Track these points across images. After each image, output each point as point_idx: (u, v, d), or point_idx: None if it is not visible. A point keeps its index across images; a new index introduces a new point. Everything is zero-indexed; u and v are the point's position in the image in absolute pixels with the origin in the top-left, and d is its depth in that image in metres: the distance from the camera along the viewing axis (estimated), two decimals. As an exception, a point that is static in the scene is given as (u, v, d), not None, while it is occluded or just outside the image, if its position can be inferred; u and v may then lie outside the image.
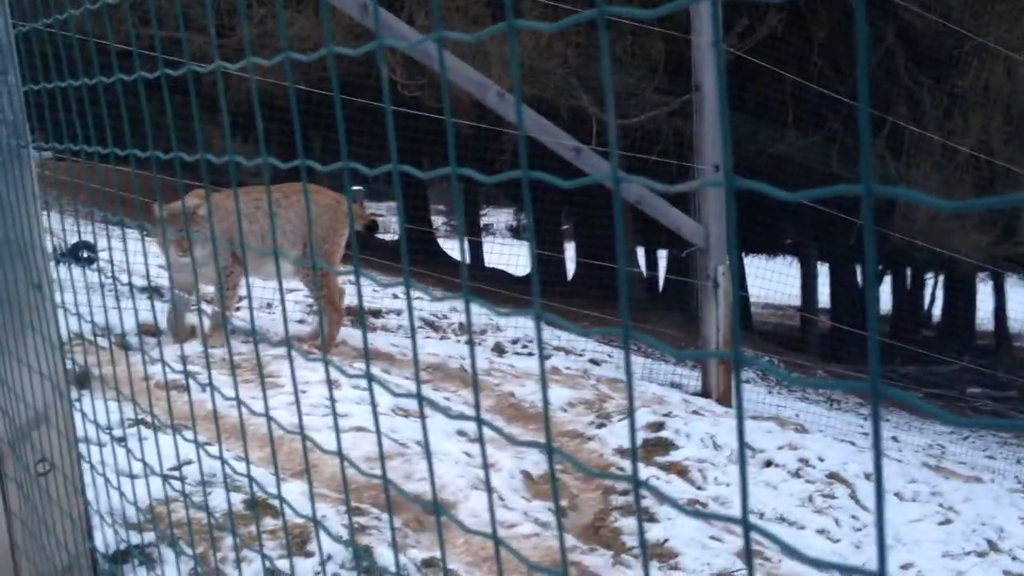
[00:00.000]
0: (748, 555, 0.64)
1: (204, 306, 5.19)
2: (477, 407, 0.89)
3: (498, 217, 26.89)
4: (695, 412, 5.84)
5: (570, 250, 17.53)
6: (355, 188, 7.40)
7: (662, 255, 18.52)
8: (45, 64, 1.85)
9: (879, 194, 0.53)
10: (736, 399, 0.64)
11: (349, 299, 7.83)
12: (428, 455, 0.94)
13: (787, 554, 0.64)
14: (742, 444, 0.63)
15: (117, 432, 3.49)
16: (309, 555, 3.03)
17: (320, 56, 1.04)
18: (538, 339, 0.81)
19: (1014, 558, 4.73)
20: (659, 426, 5.20)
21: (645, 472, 4.60)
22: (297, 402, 1.12)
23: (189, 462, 3.34)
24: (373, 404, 1.06)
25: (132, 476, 1.90)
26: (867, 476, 5.26)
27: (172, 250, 5.26)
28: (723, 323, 6.85)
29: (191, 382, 1.49)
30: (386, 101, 0.95)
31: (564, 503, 4.21)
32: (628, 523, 3.97)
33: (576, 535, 3.92)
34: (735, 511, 4.41)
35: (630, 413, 0.69)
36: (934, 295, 22.84)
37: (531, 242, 0.79)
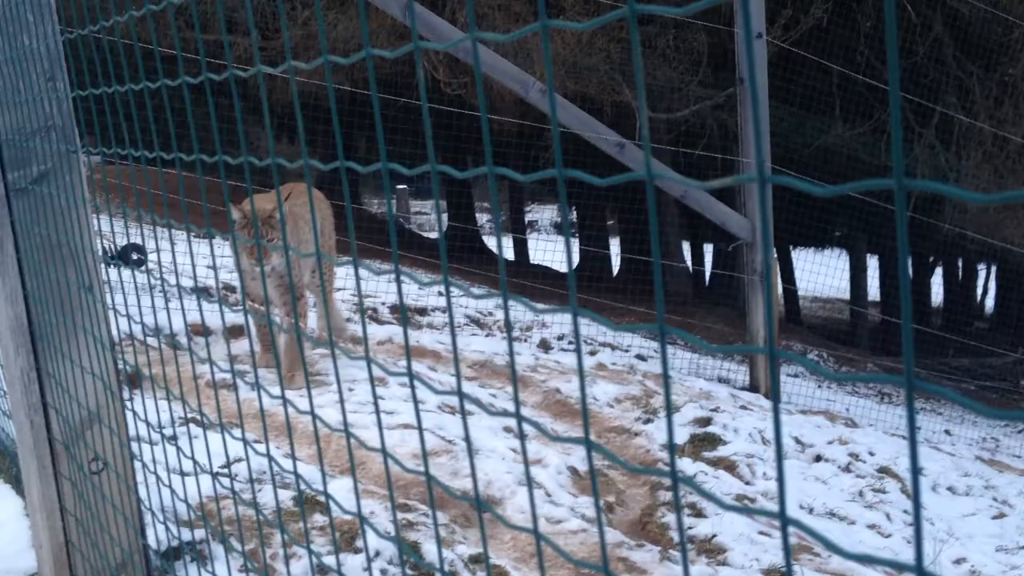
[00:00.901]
0: (786, 550, 0.64)
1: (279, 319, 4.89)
2: (516, 403, 0.90)
3: (542, 214, 26.87)
4: (743, 407, 5.80)
5: (615, 245, 17.48)
6: (399, 187, 7.45)
7: (708, 249, 18.41)
8: (92, 70, 1.89)
9: (910, 188, 0.53)
10: (773, 393, 0.64)
11: (392, 297, 7.88)
12: (470, 452, 0.95)
13: (829, 549, 0.64)
14: (779, 439, 0.63)
15: (168, 431, 3.55)
16: (357, 551, 3.06)
17: (359, 58, 1.06)
18: (576, 336, 0.82)
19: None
20: (707, 421, 5.18)
21: (692, 468, 4.58)
22: (341, 400, 1.14)
23: (239, 460, 3.39)
24: (415, 402, 1.07)
25: (183, 474, 1.93)
26: (919, 470, 5.19)
27: (244, 258, 4.55)
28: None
29: (239, 381, 1.51)
30: (424, 102, 0.95)
31: (611, 499, 4.21)
32: (675, 519, 3.95)
33: (624, 531, 3.91)
34: (785, 506, 4.38)
35: (668, 412, 0.70)
36: (987, 286, 22.44)
37: (567, 239, 0.79)
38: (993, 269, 20.66)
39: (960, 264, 19.94)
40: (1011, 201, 0.46)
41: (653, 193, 0.71)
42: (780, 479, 0.63)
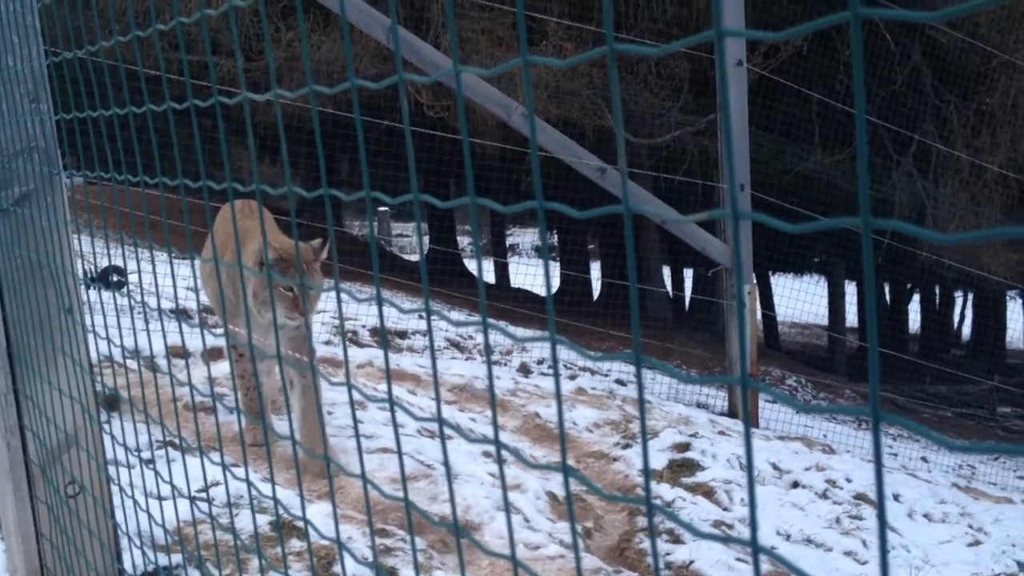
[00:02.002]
0: (756, 573, 0.65)
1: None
2: (495, 429, 0.91)
3: (524, 237, 26.94)
4: (721, 432, 5.82)
5: (596, 269, 17.52)
6: (381, 209, 7.45)
7: (688, 274, 18.48)
8: (77, 91, 1.89)
9: (876, 226, 0.54)
10: (744, 423, 0.65)
11: (372, 319, 7.87)
12: (449, 477, 0.96)
13: (794, 573, 0.65)
14: (750, 467, 0.65)
15: (145, 454, 3.53)
16: (335, 576, 3.05)
17: (344, 88, 1.07)
18: (555, 363, 0.83)
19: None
20: (685, 447, 5.19)
21: (671, 493, 4.58)
22: (321, 423, 1.14)
23: (216, 484, 3.38)
24: (395, 426, 1.08)
25: (160, 498, 1.92)
26: (896, 497, 5.22)
27: (284, 309, 3.70)
28: (749, 342, 6.84)
29: (219, 404, 1.51)
30: (407, 132, 0.97)
31: (589, 524, 4.21)
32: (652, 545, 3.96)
33: (602, 556, 3.91)
34: (763, 532, 4.39)
35: (643, 439, 0.71)
36: (963, 313, 22.62)
37: (546, 266, 0.81)
38: (970, 297, 20.84)
39: (937, 291, 20.10)
40: (972, 240, 0.47)
41: (631, 226, 0.72)
42: (752, 508, 0.65)
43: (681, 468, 4.94)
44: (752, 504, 0.65)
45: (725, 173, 7.11)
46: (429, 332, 1.01)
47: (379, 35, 6.31)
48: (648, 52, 0.71)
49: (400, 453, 0.97)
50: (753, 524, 0.66)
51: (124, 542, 2.17)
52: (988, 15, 10.67)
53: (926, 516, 5.19)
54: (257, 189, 1.24)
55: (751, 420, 6.31)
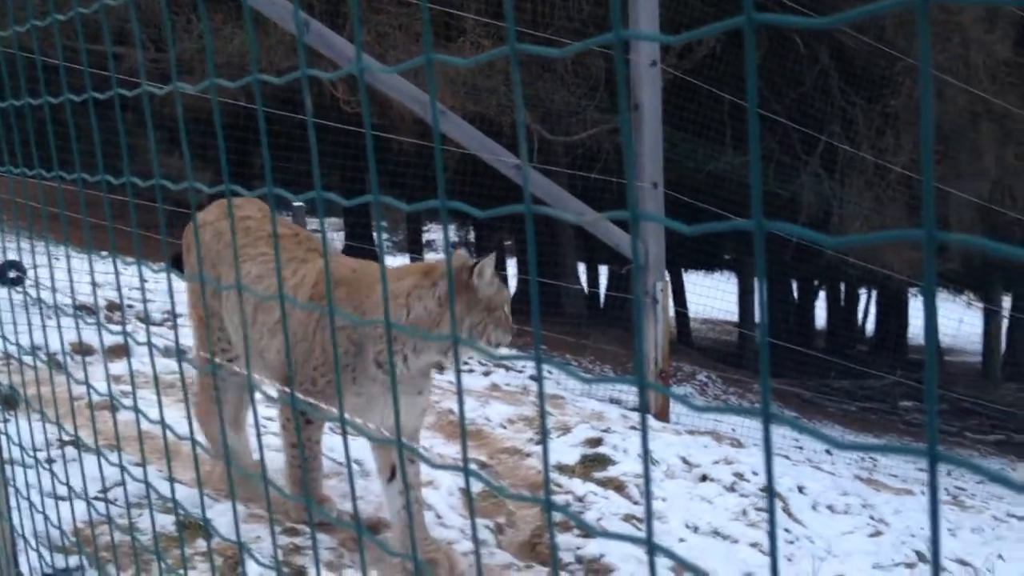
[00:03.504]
0: (652, 573, 0.66)
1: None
2: (398, 429, 0.91)
3: (441, 234, 26.86)
4: (633, 428, 5.89)
5: (512, 266, 17.58)
6: (296, 203, 7.35)
7: (604, 271, 18.66)
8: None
9: (769, 229, 0.55)
10: (642, 425, 0.66)
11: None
12: (351, 476, 0.95)
13: (690, 571, 0.66)
14: (647, 466, 0.66)
15: (43, 454, 3.43)
16: (243, 576, 3.00)
17: (246, 83, 1.05)
18: (456, 364, 0.83)
19: (942, 569, 4.83)
20: (597, 442, 5.24)
21: (583, 488, 4.62)
22: (221, 422, 1.13)
23: (118, 484, 3.30)
24: (298, 426, 1.07)
25: (57, 498, 1.88)
26: (800, 489, 5.34)
27: (501, 332, 2.97)
28: (662, 339, 6.93)
29: (120, 403, 1.48)
30: (310, 128, 0.96)
31: (502, 520, 4.22)
32: (565, 539, 3.99)
33: (514, 552, 3.92)
34: (672, 526, 4.46)
35: (543, 439, 0.71)
36: (868, 310, 23.29)
37: (449, 268, 0.80)
38: (874, 294, 21.47)
39: (843, 288, 20.66)
40: (856, 244, 0.48)
41: (532, 229, 0.72)
42: (648, 508, 0.66)
43: (593, 463, 4.98)
44: (648, 505, 0.66)
45: (640, 171, 7.19)
46: (333, 335, 1.00)
47: (292, 27, 6.23)
48: (551, 54, 0.71)
49: (303, 454, 0.96)
50: (649, 521, 0.67)
51: (20, 544, 2.11)
52: (893, 19, 10.98)
53: (829, 508, 5.32)
54: (157, 184, 1.21)
55: (661, 415, 6.36)
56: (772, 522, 0.57)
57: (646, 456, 0.64)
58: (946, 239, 0.48)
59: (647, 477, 0.65)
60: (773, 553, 0.58)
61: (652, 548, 0.67)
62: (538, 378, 0.72)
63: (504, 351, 3.07)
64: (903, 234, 0.51)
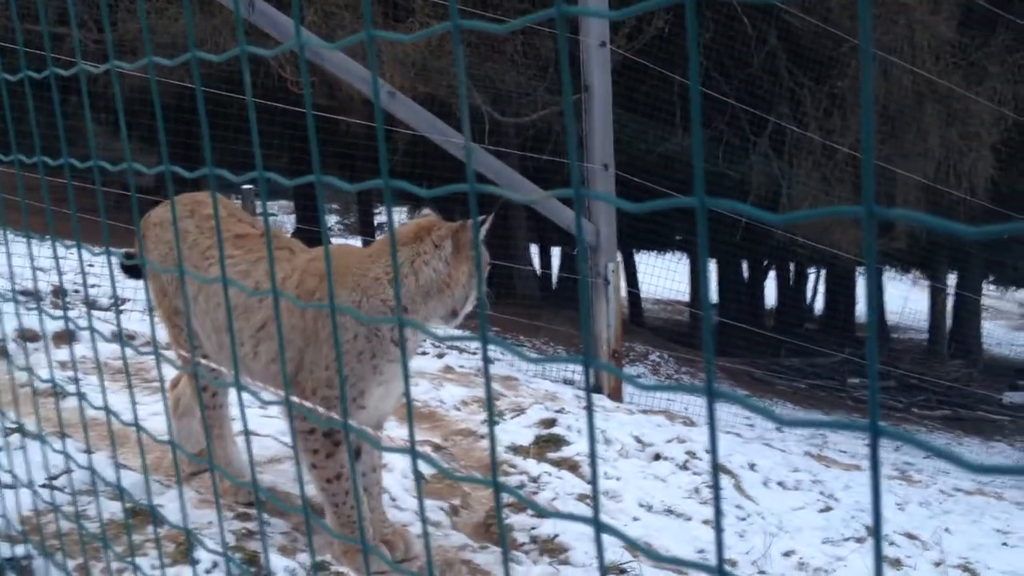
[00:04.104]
0: (600, 559, 0.66)
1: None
2: (345, 414, 0.90)
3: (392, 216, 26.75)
4: (587, 408, 5.91)
5: (464, 248, 17.51)
6: (245, 187, 7.26)
7: (555, 252, 18.70)
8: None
9: (712, 207, 0.55)
10: (588, 405, 0.66)
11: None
12: (298, 464, 0.94)
13: (637, 551, 0.66)
14: (593, 450, 0.65)
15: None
16: (196, 562, 2.98)
17: (184, 60, 1.03)
18: (402, 344, 0.82)
19: (891, 543, 4.92)
20: (551, 422, 5.26)
21: (537, 469, 4.64)
22: (167, 411, 1.11)
23: (67, 471, 3.25)
24: (242, 409, 1.06)
25: (3, 486, 1.84)
26: (751, 467, 5.41)
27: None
28: (614, 319, 6.97)
29: (64, 390, 1.45)
30: (250, 107, 0.94)
31: (456, 502, 4.22)
32: (519, 519, 4.00)
33: (469, 533, 3.93)
34: (626, 504, 4.49)
35: (490, 423, 0.71)
36: (816, 289, 23.60)
37: (394, 250, 0.79)
38: (823, 273, 21.75)
39: (792, 268, 20.90)
40: (799, 221, 0.48)
41: (476, 204, 0.72)
42: (595, 489, 0.65)
43: (547, 443, 5.00)
44: (595, 482, 0.66)
45: (590, 152, 7.20)
46: (277, 315, 0.98)
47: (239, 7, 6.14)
48: (493, 29, 0.70)
49: (248, 435, 0.95)
50: (596, 502, 0.66)
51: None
52: (839, 0, 11.09)
53: (780, 484, 5.40)
54: (95, 164, 1.18)
55: (614, 395, 6.39)
56: (717, 498, 0.57)
57: (592, 436, 0.64)
58: (886, 215, 0.49)
59: (593, 457, 0.65)
60: (718, 526, 0.58)
61: (599, 528, 0.66)
62: (484, 361, 0.72)
63: (455, 332, 3.07)
64: (844, 210, 0.51)
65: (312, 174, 0.96)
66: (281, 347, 0.91)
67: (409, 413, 0.78)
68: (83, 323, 1.48)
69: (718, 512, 0.56)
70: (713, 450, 0.56)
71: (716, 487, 0.56)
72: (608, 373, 6.90)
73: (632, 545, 0.66)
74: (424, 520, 0.78)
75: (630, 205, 0.62)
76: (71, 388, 1.38)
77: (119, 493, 3.26)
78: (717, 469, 0.56)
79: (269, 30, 6.05)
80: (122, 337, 1.16)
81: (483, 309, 0.74)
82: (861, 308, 20.19)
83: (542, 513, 0.68)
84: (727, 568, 0.58)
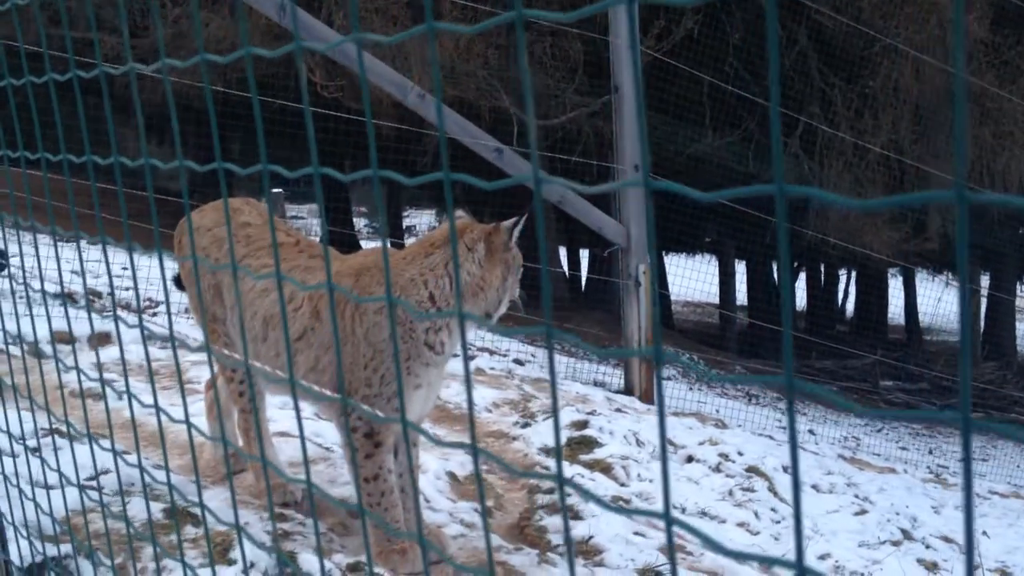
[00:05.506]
0: (671, 550, 0.65)
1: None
2: (403, 412, 0.89)
3: (420, 219, 26.84)
4: (618, 410, 5.90)
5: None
6: (275, 191, 7.29)
7: (584, 255, 18.66)
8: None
9: (791, 194, 0.54)
10: (657, 396, 0.65)
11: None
12: (353, 464, 0.94)
13: (709, 547, 0.65)
14: (663, 441, 0.65)
15: (31, 442, 3.40)
16: (232, 563, 2.99)
17: (237, 57, 1.03)
18: (463, 341, 0.82)
19: (928, 546, 4.88)
20: (583, 424, 5.24)
21: (569, 470, 4.63)
22: (219, 406, 1.11)
23: (106, 471, 3.27)
24: (297, 413, 1.06)
25: (47, 487, 1.85)
26: (785, 469, 5.37)
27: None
28: (645, 321, 6.94)
29: (108, 390, 1.46)
30: (305, 103, 0.94)
31: (490, 503, 4.22)
32: (553, 521, 3.99)
33: (502, 535, 3.92)
34: (658, 506, 4.47)
35: (554, 412, 0.70)
36: (847, 291, 23.41)
37: (454, 245, 0.79)
38: (853, 274, 21.57)
39: (823, 269, 20.74)
40: (883, 208, 0.48)
41: (540, 198, 0.71)
42: (665, 479, 0.65)
43: (580, 445, 4.99)
44: (665, 474, 0.65)
45: (620, 154, 7.17)
46: (333, 315, 0.98)
47: (270, 12, 6.17)
48: (556, 17, 0.70)
49: (304, 438, 0.95)
50: (666, 495, 0.66)
51: (10, 532, 2.08)
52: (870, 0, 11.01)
53: (814, 487, 5.36)
54: (146, 163, 1.19)
55: (646, 397, 6.37)
56: (796, 493, 0.57)
57: (662, 421, 0.63)
58: (978, 199, 0.48)
59: (663, 449, 0.64)
60: (797, 518, 0.57)
61: (670, 522, 0.66)
62: (548, 349, 0.71)
63: (513, 326, 3.07)
64: (937, 196, 0.50)
65: (345, 180, 0.96)
66: (337, 347, 0.91)
67: (471, 413, 0.78)
68: (125, 325, 1.49)
69: (797, 504, 0.56)
70: (792, 443, 0.55)
71: (796, 484, 0.55)
72: (640, 375, 6.88)
73: (705, 542, 0.65)
74: (485, 518, 0.77)
75: (701, 195, 0.61)
76: (119, 388, 1.38)
77: (163, 492, 3.28)
78: (796, 458, 0.56)
79: (300, 33, 6.08)
80: (173, 339, 1.17)
81: (547, 290, 0.74)
82: (893, 310, 20.01)
83: (609, 508, 0.67)
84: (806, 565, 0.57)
